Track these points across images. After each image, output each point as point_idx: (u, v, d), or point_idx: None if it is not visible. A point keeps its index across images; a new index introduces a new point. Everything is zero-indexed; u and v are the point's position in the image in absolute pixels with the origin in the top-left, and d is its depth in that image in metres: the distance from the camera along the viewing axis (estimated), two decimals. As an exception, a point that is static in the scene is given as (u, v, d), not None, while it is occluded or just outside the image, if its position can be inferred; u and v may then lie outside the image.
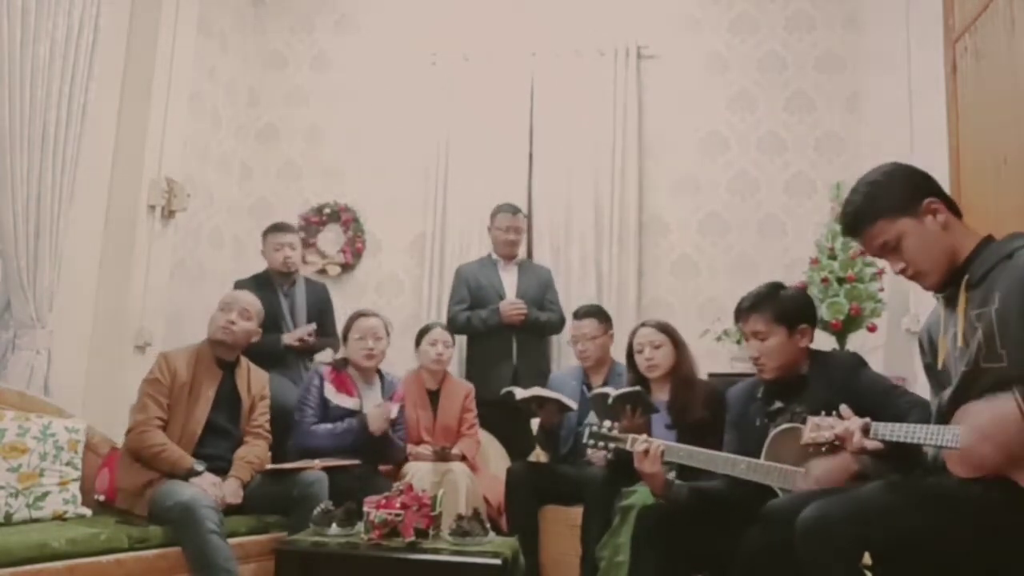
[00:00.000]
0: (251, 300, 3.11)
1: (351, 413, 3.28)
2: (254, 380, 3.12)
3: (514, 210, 4.21)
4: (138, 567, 2.50)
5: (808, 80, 4.61)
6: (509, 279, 4.15)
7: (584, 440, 2.45)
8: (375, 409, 3.25)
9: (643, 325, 3.08)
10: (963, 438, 1.54)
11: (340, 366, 3.39)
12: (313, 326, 3.84)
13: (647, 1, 4.81)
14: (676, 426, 2.86)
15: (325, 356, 3.78)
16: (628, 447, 2.34)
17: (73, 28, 3.33)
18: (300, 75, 5.06)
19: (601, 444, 2.39)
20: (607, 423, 2.44)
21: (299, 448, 3.21)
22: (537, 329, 4.08)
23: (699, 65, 4.72)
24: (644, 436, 2.37)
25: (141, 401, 2.86)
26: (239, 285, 3.89)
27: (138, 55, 3.89)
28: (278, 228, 4.01)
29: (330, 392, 3.29)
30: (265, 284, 3.92)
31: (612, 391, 2.89)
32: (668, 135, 4.69)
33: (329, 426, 3.23)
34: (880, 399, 2.04)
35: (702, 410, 2.81)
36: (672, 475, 2.54)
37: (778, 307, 2.27)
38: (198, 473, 2.75)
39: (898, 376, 3.42)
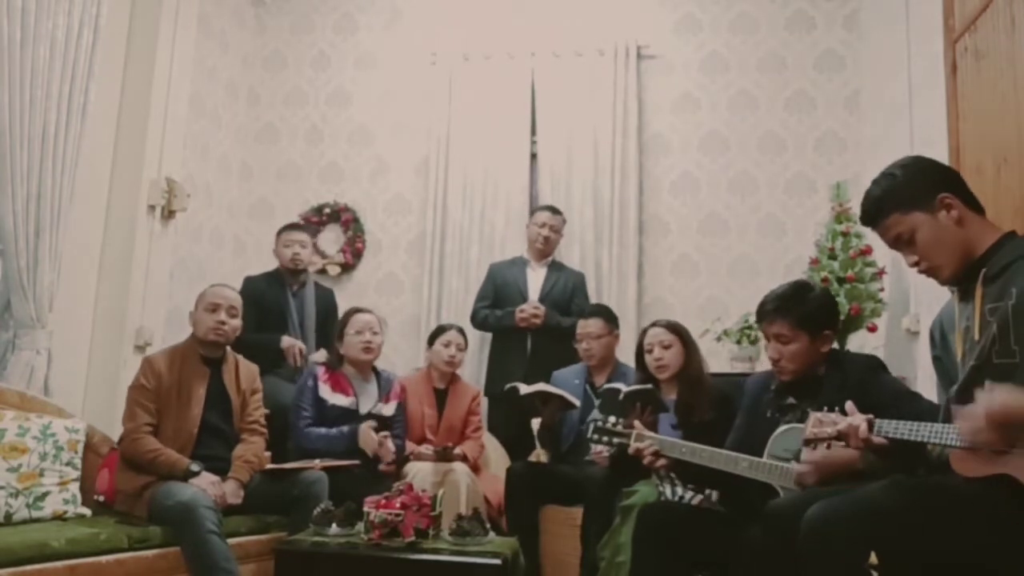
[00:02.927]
0: (235, 296, 3.08)
1: (347, 412, 3.28)
2: (243, 375, 3.08)
3: (555, 210, 4.21)
4: (138, 567, 2.50)
5: (808, 80, 4.61)
6: (535, 279, 4.12)
7: (588, 435, 2.45)
8: (368, 434, 3.20)
9: (654, 325, 3.07)
10: (968, 414, 1.52)
11: (334, 365, 3.38)
12: (302, 346, 3.84)
13: (647, 1, 4.81)
14: (682, 426, 2.86)
15: (319, 356, 3.77)
16: (631, 442, 2.34)
17: (73, 28, 3.32)
18: (300, 75, 5.06)
19: (605, 439, 2.39)
20: (612, 419, 2.44)
21: (296, 448, 3.21)
22: (557, 333, 4.03)
23: (699, 65, 4.72)
24: (648, 434, 2.37)
25: (129, 409, 2.85)
26: (248, 281, 3.93)
27: (138, 55, 3.89)
28: (290, 227, 4.11)
29: (325, 392, 3.29)
30: (276, 282, 3.97)
31: (624, 387, 2.90)
32: (668, 135, 4.69)
33: (323, 431, 3.23)
34: (894, 404, 2.01)
35: (709, 411, 2.80)
36: (667, 488, 2.56)
37: (803, 312, 2.23)
38: (196, 474, 2.74)
39: (898, 376, 3.42)
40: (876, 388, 2.12)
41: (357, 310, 3.47)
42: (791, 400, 2.27)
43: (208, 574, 2.50)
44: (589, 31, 4.74)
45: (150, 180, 3.86)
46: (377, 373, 3.47)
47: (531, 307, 3.94)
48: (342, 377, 3.35)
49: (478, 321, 4.10)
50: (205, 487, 2.69)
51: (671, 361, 2.97)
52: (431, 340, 3.76)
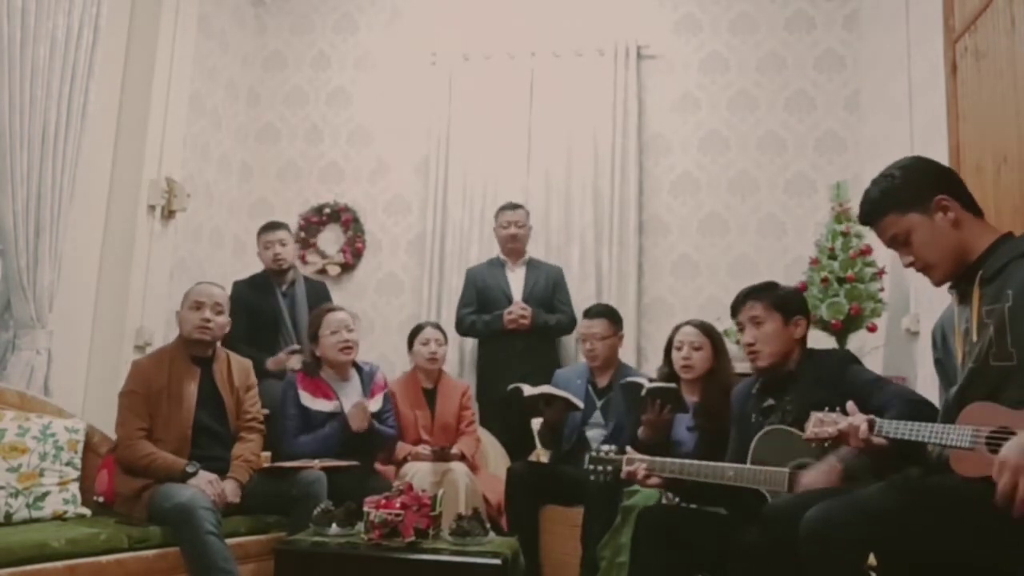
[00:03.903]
0: (219, 292, 3.04)
1: (332, 416, 3.22)
2: (236, 372, 3.05)
3: (514, 206, 4.23)
4: (138, 567, 2.50)
5: (808, 80, 4.61)
6: (516, 280, 4.14)
7: (586, 465, 2.43)
8: (353, 409, 3.19)
9: (688, 323, 3.03)
10: (1000, 477, 1.46)
11: (311, 371, 3.32)
12: (296, 346, 3.76)
13: (647, 1, 4.81)
14: (699, 429, 2.85)
15: (294, 362, 3.70)
16: (624, 466, 2.34)
17: (73, 28, 3.33)
18: (300, 75, 5.06)
19: (600, 468, 2.38)
20: (604, 447, 2.43)
21: (287, 456, 3.15)
22: (546, 332, 4.06)
23: (699, 65, 4.72)
24: (637, 456, 2.37)
25: (121, 415, 2.84)
26: (237, 286, 3.89)
27: (138, 55, 3.90)
28: (267, 227, 3.99)
29: (306, 399, 3.23)
30: (263, 285, 3.91)
31: (647, 382, 2.89)
32: (668, 135, 4.69)
33: (309, 437, 3.18)
34: (864, 391, 2.05)
35: (729, 419, 2.77)
36: (670, 494, 2.56)
37: (775, 294, 2.35)
38: (192, 474, 2.73)
39: (898, 376, 3.42)
40: (850, 380, 2.14)
41: (329, 309, 3.40)
42: (770, 401, 2.29)
43: (207, 575, 2.50)
44: (589, 31, 4.74)
45: (150, 180, 3.86)
46: (358, 368, 3.41)
47: (519, 308, 3.94)
48: (321, 382, 3.29)
49: (464, 327, 4.09)
50: (203, 487, 2.68)
51: (698, 363, 2.93)
52: (410, 342, 3.73)
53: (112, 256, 3.75)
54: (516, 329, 3.94)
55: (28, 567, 2.27)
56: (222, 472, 2.84)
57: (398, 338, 4.66)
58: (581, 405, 3.27)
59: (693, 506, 2.49)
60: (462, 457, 3.47)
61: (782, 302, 2.33)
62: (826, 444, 1.89)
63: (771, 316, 2.30)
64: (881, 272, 3.63)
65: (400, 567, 2.45)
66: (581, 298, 4.36)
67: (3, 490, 2.62)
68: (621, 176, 4.56)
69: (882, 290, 3.64)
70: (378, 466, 3.38)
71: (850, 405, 1.86)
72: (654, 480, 2.29)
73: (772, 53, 4.67)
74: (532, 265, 4.25)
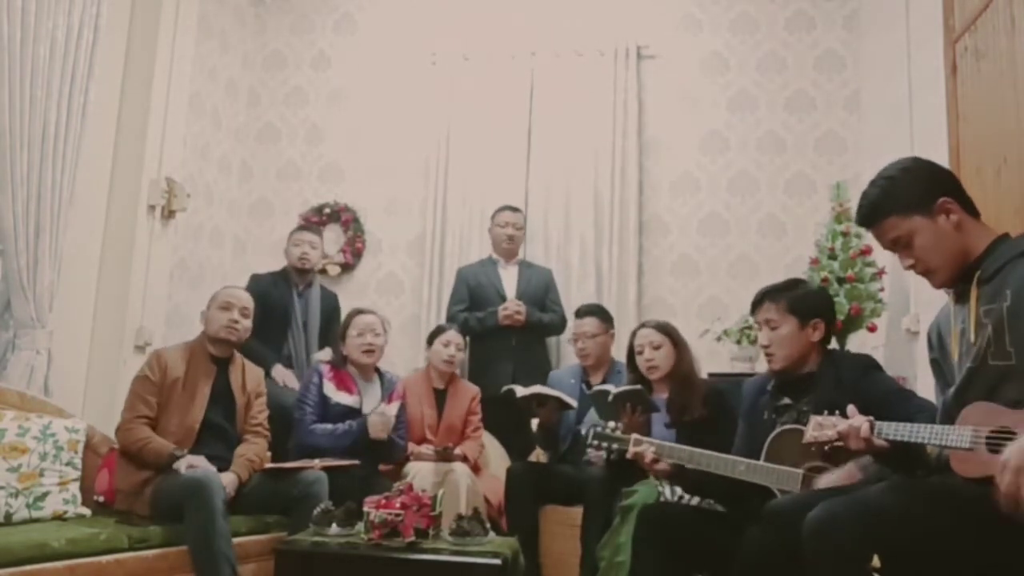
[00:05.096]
0: (247, 296, 3.15)
1: (351, 410, 3.28)
2: (249, 377, 3.12)
3: (514, 208, 4.26)
4: (138, 567, 2.51)
5: (808, 80, 4.61)
6: (509, 278, 4.16)
7: (588, 440, 2.44)
8: (376, 417, 3.22)
9: (643, 326, 3.09)
10: (1002, 479, 1.45)
11: (339, 364, 3.40)
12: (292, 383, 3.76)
13: (647, 1, 4.81)
14: (675, 425, 2.87)
15: (324, 354, 3.78)
16: (630, 447, 2.34)
17: (73, 28, 3.33)
18: (300, 75, 5.06)
19: (604, 444, 2.39)
20: (611, 424, 2.44)
21: (298, 446, 3.22)
22: (539, 330, 4.09)
23: (699, 65, 4.72)
24: (645, 439, 2.37)
25: (129, 399, 2.89)
26: (255, 279, 3.95)
27: (138, 55, 3.89)
28: (301, 227, 4.20)
29: (329, 389, 3.30)
30: (282, 281, 3.98)
31: (612, 388, 2.91)
32: (668, 135, 4.69)
33: (329, 427, 3.23)
34: (887, 402, 2.03)
35: (702, 409, 2.82)
36: (667, 488, 2.56)
37: (792, 298, 2.31)
38: (179, 457, 2.75)
39: (898, 376, 3.42)
40: (872, 388, 2.12)
41: (359, 311, 3.47)
42: (786, 400, 2.28)
43: (209, 557, 2.49)
44: (589, 31, 4.74)
45: (150, 180, 3.85)
46: (380, 374, 3.47)
47: (514, 304, 3.96)
48: (347, 376, 3.36)
49: (456, 325, 4.09)
50: (192, 463, 2.71)
51: (661, 362, 2.98)
52: (430, 340, 3.76)
53: (112, 256, 3.75)
54: (511, 325, 3.96)
55: (28, 567, 2.27)
56: (223, 470, 2.83)
57: (399, 338, 4.67)
58: (574, 404, 3.29)
59: (695, 501, 2.49)
60: (464, 459, 3.47)
61: (799, 304, 2.29)
62: (826, 448, 1.89)
63: (786, 320, 2.27)
64: (881, 272, 3.63)
65: (400, 567, 2.45)
66: (581, 298, 4.35)
67: (3, 490, 2.62)
68: (621, 176, 4.56)
69: (882, 290, 3.64)
70: (379, 466, 3.38)
71: (850, 408, 1.85)
72: (661, 466, 2.29)
73: (772, 53, 4.67)
74: (524, 265, 4.28)
